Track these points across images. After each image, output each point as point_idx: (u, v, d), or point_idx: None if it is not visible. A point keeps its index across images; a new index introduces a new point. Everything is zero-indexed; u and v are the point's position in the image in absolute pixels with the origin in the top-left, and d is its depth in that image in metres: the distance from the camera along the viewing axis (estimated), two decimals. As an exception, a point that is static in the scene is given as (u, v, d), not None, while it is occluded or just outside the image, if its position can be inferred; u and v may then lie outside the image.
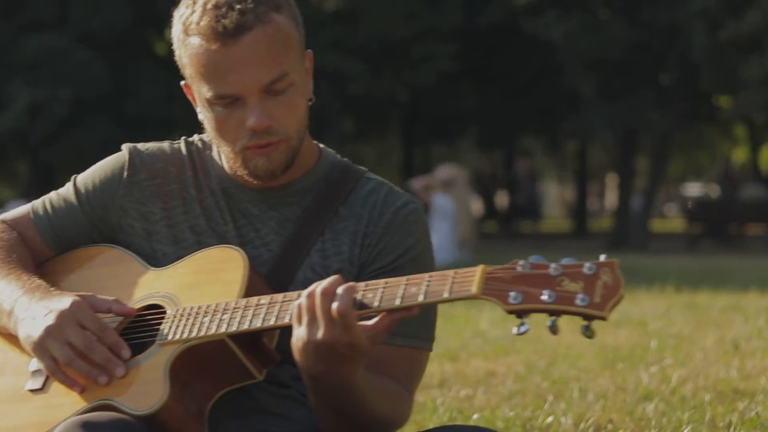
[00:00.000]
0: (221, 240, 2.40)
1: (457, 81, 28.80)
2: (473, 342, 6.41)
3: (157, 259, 2.42)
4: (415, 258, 2.40)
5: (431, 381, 4.97)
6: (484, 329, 6.96)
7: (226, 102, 2.29)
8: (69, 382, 2.25)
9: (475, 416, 4.06)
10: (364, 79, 25.98)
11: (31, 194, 22.24)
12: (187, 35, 2.29)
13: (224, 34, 2.24)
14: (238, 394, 2.30)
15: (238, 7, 2.25)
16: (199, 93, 2.32)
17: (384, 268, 2.37)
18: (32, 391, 2.31)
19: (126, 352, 2.25)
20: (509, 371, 5.25)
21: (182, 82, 2.39)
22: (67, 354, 2.23)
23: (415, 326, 2.37)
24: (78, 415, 2.20)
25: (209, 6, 2.27)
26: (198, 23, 2.27)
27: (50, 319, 2.24)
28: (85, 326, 2.24)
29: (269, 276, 2.37)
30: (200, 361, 2.24)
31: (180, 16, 2.31)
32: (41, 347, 2.25)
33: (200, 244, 2.41)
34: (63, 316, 2.24)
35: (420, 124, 32.27)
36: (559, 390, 4.69)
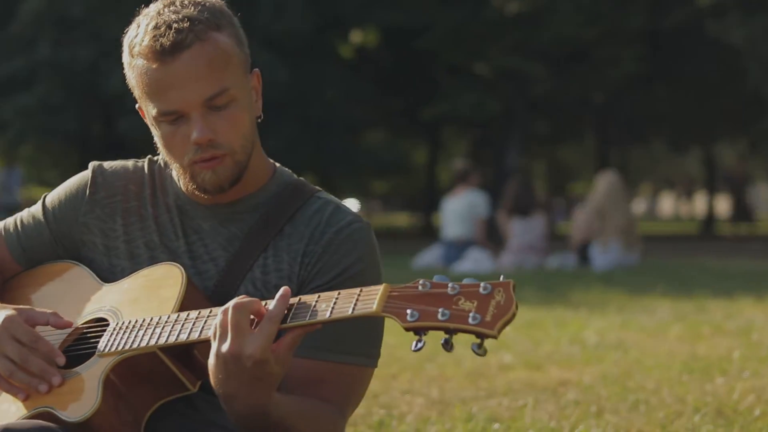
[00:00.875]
0: (172, 255, 2.50)
1: (648, 83, 28.44)
2: (567, 350, 6.43)
3: (115, 274, 2.53)
4: (354, 276, 2.43)
5: (497, 389, 5.06)
6: (584, 337, 6.96)
7: (170, 119, 2.38)
8: (13, 391, 2.38)
9: (496, 425, 4.13)
10: (547, 81, 25.93)
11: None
12: (132, 57, 2.40)
13: (162, 52, 2.34)
14: (183, 405, 2.40)
15: (175, 26, 2.34)
16: (147, 112, 2.42)
17: (322, 287, 2.39)
18: None
19: (60, 359, 2.36)
20: (580, 381, 5.26)
21: (136, 105, 2.48)
22: (6, 366, 2.35)
23: (352, 342, 2.41)
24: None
25: (150, 27, 2.37)
26: (140, 44, 2.37)
27: None
28: (19, 339, 2.36)
29: (215, 290, 2.46)
30: (135, 372, 2.33)
31: (127, 39, 2.43)
32: None
33: (153, 260, 2.50)
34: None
35: (614, 127, 31.95)
36: (615, 401, 4.70)
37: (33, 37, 22.95)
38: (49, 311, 2.45)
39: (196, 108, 2.36)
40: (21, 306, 2.47)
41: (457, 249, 14.41)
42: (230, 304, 2.16)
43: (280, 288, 2.20)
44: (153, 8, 2.42)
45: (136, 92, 2.42)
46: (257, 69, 2.50)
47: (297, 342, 2.18)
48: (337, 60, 25.98)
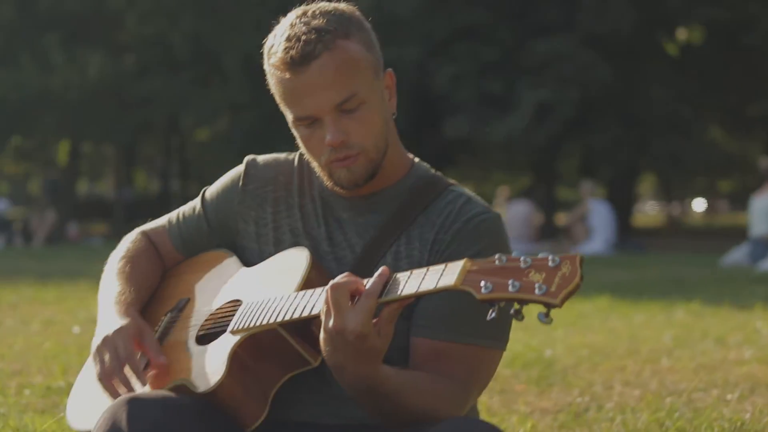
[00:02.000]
0: (314, 242, 2.67)
1: None
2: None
3: (263, 259, 2.71)
4: None
5: (716, 382, 5.01)
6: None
7: (306, 123, 2.53)
8: (110, 390, 2.61)
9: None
10: None
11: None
12: (270, 66, 2.59)
13: (293, 63, 2.48)
14: (315, 380, 2.55)
15: (304, 38, 2.48)
16: (286, 116, 2.63)
17: None
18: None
19: (143, 380, 2.56)
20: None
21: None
22: (98, 369, 2.59)
23: (476, 325, 2.52)
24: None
25: (283, 39, 2.52)
26: (275, 55, 2.52)
27: (100, 336, 2.62)
28: (117, 351, 2.58)
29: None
30: (261, 348, 2.49)
31: (266, 49, 2.58)
32: (94, 354, 2.62)
33: (296, 245, 2.67)
34: (106, 339, 2.60)
35: None
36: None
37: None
38: (156, 341, 2.65)
39: (328, 113, 2.50)
40: (142, 322, 2.70)
41: (764, 247, 14.00)
42: (330, 283, 2.32)
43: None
44: (287, 20, 2.59)
45: (276, 98, 2.60)
46: (390, 69, 2.63)
47: (395, 316, 2.31)
48: (661, 58, 25.55)
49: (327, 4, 2.60)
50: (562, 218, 25.97)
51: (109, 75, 25.50)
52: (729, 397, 4.70)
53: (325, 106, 2.50)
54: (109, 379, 2.58)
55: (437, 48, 23.91)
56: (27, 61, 25.29)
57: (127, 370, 2.58)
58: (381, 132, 2.57)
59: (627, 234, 23.62)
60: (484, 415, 4.34)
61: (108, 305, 2.74)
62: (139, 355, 2.61)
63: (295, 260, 2.60)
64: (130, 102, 26.53)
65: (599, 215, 18.29)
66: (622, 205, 29.35)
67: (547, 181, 26.41)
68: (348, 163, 2.55)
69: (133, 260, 2.87)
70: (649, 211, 59.22)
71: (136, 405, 2.41)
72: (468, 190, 2.71)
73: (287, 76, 2.51)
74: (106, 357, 2.59)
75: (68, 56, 25.10)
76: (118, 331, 2.62)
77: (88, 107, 26.39)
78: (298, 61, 2.48)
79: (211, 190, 2.88)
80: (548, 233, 22.61)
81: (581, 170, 27.63)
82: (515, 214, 19.34)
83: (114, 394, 2.56)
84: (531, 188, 23.50)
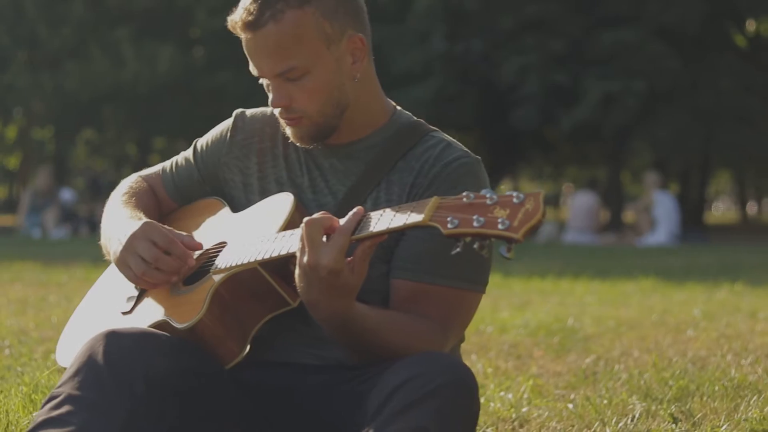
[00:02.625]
0: (297, 189, 2.77)
1: None
2: None
3: (249, 207, 2.82)
4: None
5: (735, 349, 4.98)
6: None
7: (262, 81, 2.70)
8: (144, 285, 2.73)
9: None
10: None
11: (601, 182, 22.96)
12: (230, 20, 2.71)
13: (243, 26, 2.63)
14: (296, 321, 2.64)
15: (259, 2, 2.61)
16: None
17: None
18: (123, 312, 2.77)
19: (191, 261, 2.69)
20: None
21: None
22: (139, 264, 2.66)
23: (459, 268, 2.61)
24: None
25: (246, 1, 2.65)
26: (236, 12, 2.66)
27: (126, 238, 2.69)
28: (154, 242, 2.67)
29: None
30: (242, 287, 2.58)
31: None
32: (120, 261, 2.70)
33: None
34: (135, 236, 2.68)
35: None
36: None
37: (427, 31, 23.90)
38: (185, 233, 2.74)
39: (272, 79, 2.65)
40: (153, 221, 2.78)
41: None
42: (305, 219, 2.40)
43: None
44: None
45: None
46: (359, 34, 2.66)
47: (368, 253, 2.39)
48: (730, 49, 25.25)
49: None
50: (629, 215, 25.75)
51: (179, 69, 25.81)
52: (743, 361, 4.68)
53: (267, 73, 2.64)
54: (143, 281, 2.69)
55: (504, 40, 23.88)
56: (98, 55, 25.68)
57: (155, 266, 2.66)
58: (329, 98, 2.66)
59: (695, 228, 23.38)
60: (495, 376, 4.37)
61: (119, 223, 2.81)
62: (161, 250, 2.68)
63: (279, 204, 2.70)
64: (200, 96, 26.84)
65: (663, 207, 18.14)
66: (694, 200, 29.08)
67: (615, 175, 26.19)
68: (292, 123, 2.68)
69: (136, 195, 2.97)
70: (723, 209, 58.50)
71: (113, 337, 2.49)
72: (448, 136, 2.77)
73: (241, 35, 2.65)
74: (141, 251, 2.67)
75: (138, 50, 25.44)
76: (145, 226, 2.69)
77: (158, 101, 26.76)
78: (247, 25, 2.62)
79: (202, 142, 2.98)
80: (613, 225, 22.47)
81: (652, 165, 27.37)
82: (579, 204, 19.23)
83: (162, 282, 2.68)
84: (595, 180, 23.31)
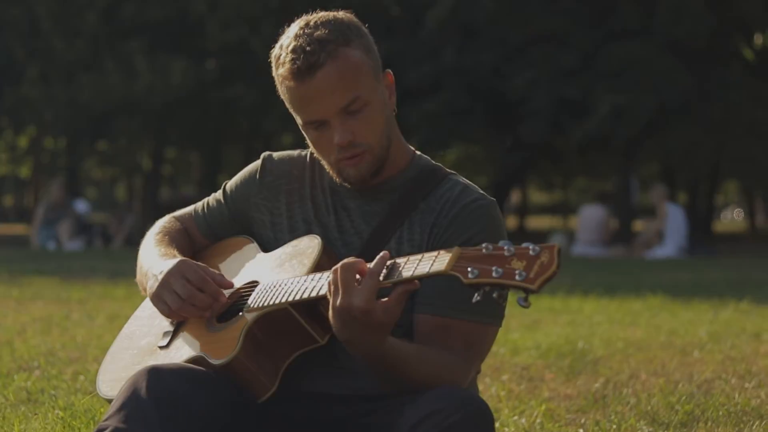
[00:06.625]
0: (324, 229, 2.92)
1: None
2: None
3: (279, 246, 2.94)
4: None
5: (739, 372, 5.15)
6: None
7: (315, 126, 2.80)
8: (179, 319, 2.90)
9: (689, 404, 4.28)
10: None
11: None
12: (278, 75, 2.84)
13: (299, 73, 2.74)
14: (326, 355, 2.78)
15: (308, 49, 2.73)
16: (296, 119, 2.90)
17: None
18: (160, 347, 2.91)
19: (223, 298, 2.86)
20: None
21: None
22: (175, 300, 2.82)
23: (478, 303, 2.67)
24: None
25: (289, 50, 2.76)
26: (282, 66, 2.78)
27: (162, 275, 2.85)
28: (188, 279, 2.83)
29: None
30: (274, 326, 2.73)
31: (273, 58, 2.82)
32: (156, 296, 2.86)
33: (309, 233, 2.91)
34: (170, 273, 2.84)
35: None
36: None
37: (438, 45, 24.04)
38: (217, 272, 2.89)
39: (335, 116, 2.76)
40: (188, 259, 2.94)
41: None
42: (338, 264, 2.56)
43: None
44: (291, 30, 2.80)
45: (286, 103, 2.85)
46: (389, 70, 2.88)
47: (403, 299, 2.53)
48: (739, 62, 25.37)
49: (327, 13, 2.84)
50: (638, 224, 25.87)
51: (191, 81, 25.99)
52: (747, 385, 4.85)
53: (332, 109, 2.75)
54: (177, 315, 2.86)
55: (514, 53, 24.02)
56: (111, 67, 25.88)
57: (190, 302, 2.82)
58: (384, 129, 2.83)
59: (705, 239, 23.50)
60: (508, 399, 4.55)
61: (154, 260, 2.97)
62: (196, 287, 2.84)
63: (307, 246, 2.86)
64: (212, 108, 27.04)
65: (674, 220, 18.25)
66: (702, 210, 29.20)
67: (624, 185, 26.34)
68: (356, 161, 2.81)
69: (170, 234, 3.12)
70: (731, 218, 58.51)
71: (156, 374, 2.66)
72: (465, 179, 2.95)
73: (295, 85, 2.77)
74: (177, 287, 2.83)
75: (151, 63, 25.63)
76: (180, 264, 2.85)
77: (171, 113, 26.96)
78: (304, 71, 2.74)
79: (231, 184, 3.14)
80: (623, 237, 22.59)
81: (660, 176, 27.51)
82: (588, 216, 19.36)
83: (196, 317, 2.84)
84: (605, 193, 23.45)
